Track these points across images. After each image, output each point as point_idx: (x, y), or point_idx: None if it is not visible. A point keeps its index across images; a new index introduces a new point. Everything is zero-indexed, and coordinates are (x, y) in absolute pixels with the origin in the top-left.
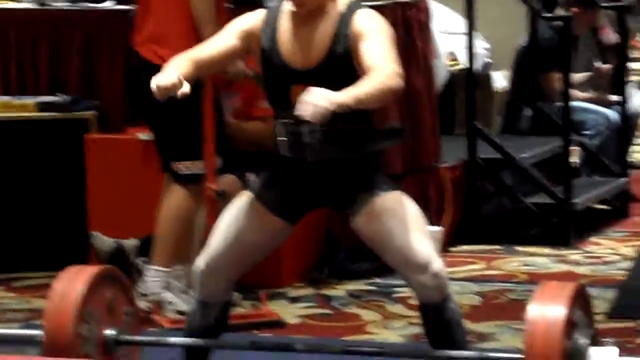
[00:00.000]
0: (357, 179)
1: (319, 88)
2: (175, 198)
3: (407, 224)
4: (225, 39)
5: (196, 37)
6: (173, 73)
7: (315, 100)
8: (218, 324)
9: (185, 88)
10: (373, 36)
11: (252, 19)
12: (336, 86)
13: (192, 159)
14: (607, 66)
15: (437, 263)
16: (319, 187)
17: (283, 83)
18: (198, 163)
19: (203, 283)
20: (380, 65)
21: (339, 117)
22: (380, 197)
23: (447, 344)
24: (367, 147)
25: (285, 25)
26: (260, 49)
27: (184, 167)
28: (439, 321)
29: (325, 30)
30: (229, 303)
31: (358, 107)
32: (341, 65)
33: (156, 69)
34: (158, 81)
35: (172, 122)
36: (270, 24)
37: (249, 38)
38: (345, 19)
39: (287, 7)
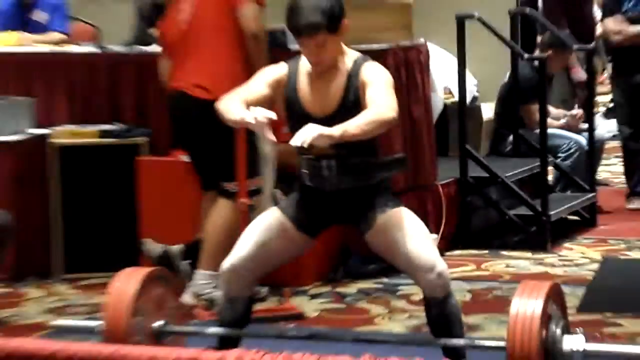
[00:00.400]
0: (367, 201)
1: (315, 125)
2: (224, 212)
3: (411, 234)
4: (259, 87)
5: (244, 77)
6: (243, 110)
7: (308, 132)
8: (244, 316)
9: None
10: (375, 83)
11: (278, 71)
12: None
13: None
14: (580, 112)
15: (441, 264)
16: (336, 209)
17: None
18: (250, 182)
19: (229, 281)
20: (377, 101)
21: (350, 152)
22: (387, 214)
23: (446, 334)
24: (375, 176)
25: (304, 78)
26: (284, 98)
27: (233, 186)
28: (441, 314)
29: (338, 83)
30: (252, 298)
31: (350, 138)
32: (353, 112)
33: (209, 105)
34: (242, 116)
35: (225, 151)
36: (292, 76)
37: (276, 87)
38: (354, 72)
39: (306, 62)
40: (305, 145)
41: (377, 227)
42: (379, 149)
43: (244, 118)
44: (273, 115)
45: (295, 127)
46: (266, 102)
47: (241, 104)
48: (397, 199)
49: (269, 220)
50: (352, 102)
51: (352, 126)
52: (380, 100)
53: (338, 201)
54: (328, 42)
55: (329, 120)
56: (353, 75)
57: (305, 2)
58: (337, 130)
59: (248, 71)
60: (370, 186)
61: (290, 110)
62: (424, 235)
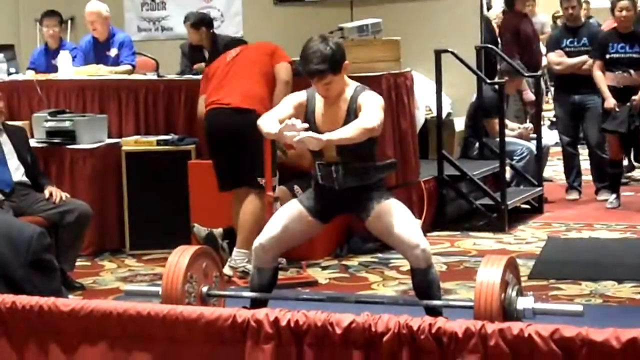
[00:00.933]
0: (367, 196)
1: (311, 133)
2: (255, 202)
3: (401, 219)
4: (287, 109)
5: (269, 100)
6: (277, 125)
7: (308, 140)
8: (270, 282)
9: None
10: (368, 104)
11: (300, 97)
12: (351, 148)
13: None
14: (530, 126)
15: (424, 242)
16: (342, 202)
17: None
18: (274, 179)
19: (258, 255)
20: (364, 113)
21: (353, 159)
22: (382, 204)
23: (427, 297)
24: (374, 176)
25: (319, 104)
26: (304, 119)
27: (262, 181)
28: (423, 281)
29: (342, 107)
30: (277, 269)
31: (335, 143)
32: None
33: (245, 116)
34: (283, 131)
35: (257, 152)
36: (311, 101)
37: (299, 109)
38: (354, 99)
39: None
40: (296, 140)
41: (375, 214)
42: (375, 156)
43: (276, 132)
44: (299, 123)
45: (314, 165)
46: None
47: (275, 121)
48: (390, 192)
49: (290, 210)
50: (353, 120)
51: (336, 134)
52: (367, 113)
53: (344, 196)
54: (333, 81)
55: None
56: (353, 101)
57: (312, 52)
58: (323, 137)
59: (271, 97)
60: (370, 184)
61: (308, 127)
62: (411, 220)
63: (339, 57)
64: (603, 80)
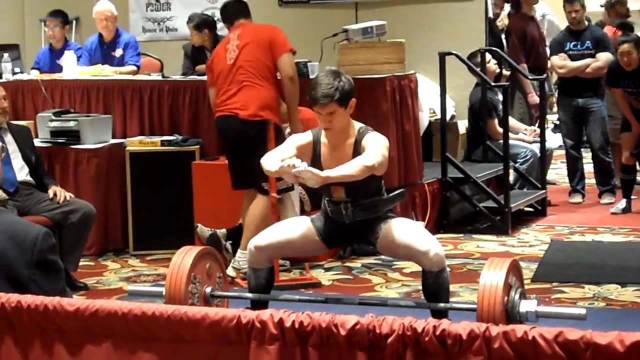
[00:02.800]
0: (375, 222)
1: (310, 168)
2: (262, 205)
3: (407, 231)
4: (290, 149)
5: (276, 104)
6: (278, 163)
7: (307, 175)
8: (267, 283)
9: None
10: (371, 144)
11: (305, 139)
12: (359, 183)
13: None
14: (536, 129)
15: (435, 246)
16: (352, 232)
17: (326, 187)
18: (279, 183)
19: (252, 255)
20: (367, 151)
21: (362, 196)
22: (388, 223)
23: (435, 299)
24: (383, 209)
25: (324, 145)
26: (310, 161)
27: (267, 185)
28: (434, 283)
29: (347, 149)
30: (272, 268)
31: (334, 180)
32: None
33: (250, 123)
34: (276, 169)
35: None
36: (316, 143)
37: (302, 150)
38: (358, 140)
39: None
40: (294, 172)
41: (382, 235)
42: (383, 189)
43: (276, 170)
44: (298, 162)
45: (323, 201)
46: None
47: (277, 160)
48: (393, 213)
49: (300, 224)
50: None
51: (335, 171)
52: (369, 151)
53: (354, 227)
54: (337, 113)
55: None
56: (358, 143)
57: (323, 79)
58: (322, 173)
59: (279, 100)
60: (379, 216)
61: (315, 168)
62: (417, 229)
63: (348, 90)
64: (627, 107)
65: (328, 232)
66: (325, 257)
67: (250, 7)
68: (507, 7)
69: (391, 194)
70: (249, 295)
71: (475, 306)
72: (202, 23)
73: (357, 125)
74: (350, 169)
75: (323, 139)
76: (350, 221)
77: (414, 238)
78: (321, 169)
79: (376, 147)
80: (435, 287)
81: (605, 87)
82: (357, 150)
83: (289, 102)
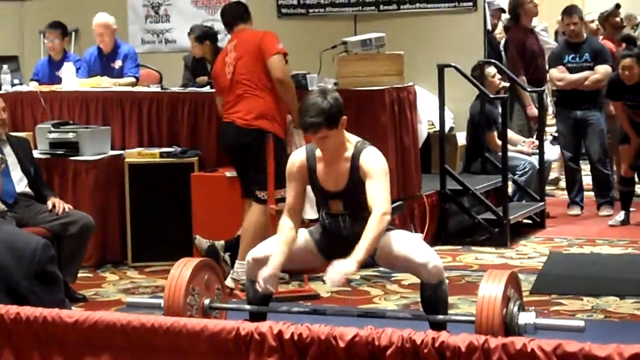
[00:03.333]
0: None
1: (339, 262)
2: (257, 214)
3: (407, 243)
4: (292, 192)
5: (278, 110)
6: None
7: (337, 274)
8: (265, 295)
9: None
10: (373, 177)
11: (299, 158)
12: (357, 197)
13: (279, 188)
14: (535, 141)
15: (434, 259)
16: (350, 245)
17: (323, 198)
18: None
19: (251, 267)
20: (376, 207)
21: (360, 210)
22: (386, 236)
23: (433, 311)
24: None
25: (319, 159)
26: (307, 180)
27: (264, 194)
28: (433, 295)
29: (344, 166)
30: None
31: (369, 253)
32: (358, 187)
33: (249, 132)
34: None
35: (259, 167)
36: (311, 160)
37: (302, 174)
38: (355, 157)
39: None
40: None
41: (381, 246)
42: None
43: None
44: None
45: (317, 198)
46: (304, 190)
47: (276, 257)
48: (392, 225)
49: (299, 236)
50: (356, 182)
51: (363, 247)
52: (377, 200)
53: (351, 240)
54: (329, 136)
55: (343, 193)
56: (355, 159)
57: (309, 105)
58: (354, 265)
59: (280, 105)
60: None
61: (313, 186)
62: (415, 241)
63: (335, 111)
64: (626, 121)
65: (326, 244)
66: (324, 268)
67: None
68: (503, 17)
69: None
70: (248, 307)
71: (474, 318)
72: (203, 35)
73: (353, 139)
74: (374, 232)
75: (318, 153)
76: (348, 234)
77: (412, 250)
78: (317, 185)
79: (379, 184)
80: (433, 299)
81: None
82: (354, 167)
83: (287, 103)
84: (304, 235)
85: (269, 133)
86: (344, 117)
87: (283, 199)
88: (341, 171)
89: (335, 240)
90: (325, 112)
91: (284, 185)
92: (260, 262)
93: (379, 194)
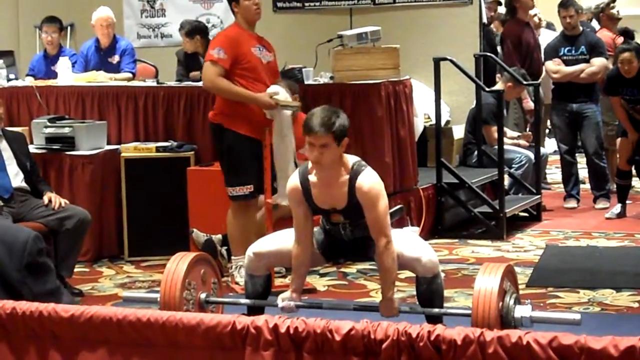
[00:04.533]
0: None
1: (382, 306)
2: (231, 211)
3: (401, 241)
4: (298, 212)
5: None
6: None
7: (389, 312)
8: (264, 289)
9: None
10: (372, 208)
11: (295, 185)
12: (357, 211)
13: (233, 186)
14: (530, 134)
15: (428, 253)
16: (351, 247)
17: (324, 214)
18: (239, 189)
19: (251, 261)
20: (378, 239)
21: (360, 217)
22: None
23: (429, 305)
24: None
25: (314, 185)
26: (305, 203)
27: (230, 191)
28: (428, 289)
29: (341, 188)
30: (270, 276)
31: (394, 285)
32: (358, 206)
33: (217, 128)
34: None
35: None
36: (304, 184)
37: (300, 198)
38: (353, 180)
39: (310, 165)
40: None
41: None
42: None
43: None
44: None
45: (322, 221)
46: (311, 219)
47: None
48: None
49: None
50: (355, 202)
51: (387, 285)
52: (377, 230)
53: (351, 244)
54: (330, 147)
55: (343, 211)
56: (352, 183)
57: (321, 112)
58: (393, 300)
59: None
60: None
61: (312, 208)
62: (410, 237)
63: (342, 128)
64: (624, 115)
65: (327, 246)
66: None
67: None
68: (500, 9)
69: (389, 211)
70: (244, 301)
71: (470, 312)
72: (193, 30)
73: (350, 160)
74: (389, 267)
75: (312, 178)
76: (349, 239)
77: (406, 246)
78: (315, 209)
79: (377, 212)
80: (429, 293)
81: (602, 94)
82: (352, 190)
83: (239, 102)
84: None
85: (223, 126)
86: (347, 139)
87: (238, 197)
88: (338, 195)
89: (337, 243)
90: (335, 123)
91: (238, 183)
92: (262, 258)
93: (378, 224)
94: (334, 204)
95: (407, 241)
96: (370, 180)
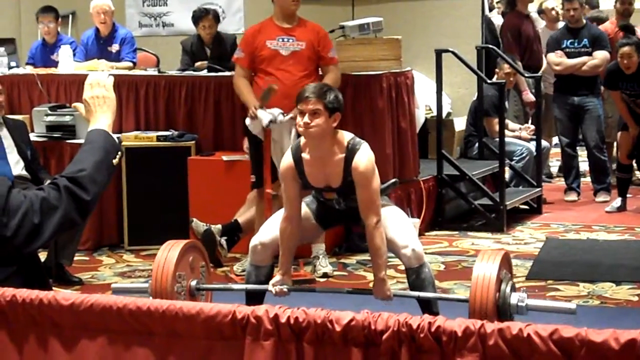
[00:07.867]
0: None
1: (375, 287)
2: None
3: (394, 222)
4: (289, 191)
5: None
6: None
7: (382, 293)
8: (266, 279)
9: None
10: (365, 187)
11: (288, 163)
12: (351, 189)
13: None
14: (532, 128)
15: (414, 243)
16: (344, 215)
17: (318, 191)
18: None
19: (258, 253)
20: (368, 218)
21: (353, 192)
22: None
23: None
24: None
25: (307, 163)
26: (299, 181)
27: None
28: (417, 279)
29: (337, 166)
30: (273, 266)
31: (385, 267)
32: (351, 185)
33: None
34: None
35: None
36: (297, 161)
37: (293, 176)
38: (349, 159)
39: (303, 142)
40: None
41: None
42: None
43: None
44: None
45: (314, 193)
46: (299, 193)
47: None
48: (388, 199)
49: None
50: (350, 181)
51: (380, 265)
52: (367, 209)
53: (346, 211)
54: (320, 115)
55: (338, 189)
56: (348, 161)
57: (314, 84)
58: (386, 281)
59: None
60: None
61: (304, 185)
62: (403, 222)
63: (337, 101)
64: (625, 110)
65: (322, 214)
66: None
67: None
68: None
69: (384, 184)
70: (234, 286)
71: (467, 297)
72: (217, 14)
73: (346, 137)
74: (378, 246)
75: (305, 156)
76: (343, 209)
77: (396, 233)
78: (308, 185)
79: (368, 191)
80: (419, 282)
81: (604, 88)
82: (347, 169)
83: None
84: (302, 208)
85: None
86: (339, 114)
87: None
88: (333, 174)
89: (332, 212)
90: (327, 92)
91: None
92: (269, 246)
93: (369, 202)
94: (329, 183)
95: (399, 228)
96: (366, 160)
